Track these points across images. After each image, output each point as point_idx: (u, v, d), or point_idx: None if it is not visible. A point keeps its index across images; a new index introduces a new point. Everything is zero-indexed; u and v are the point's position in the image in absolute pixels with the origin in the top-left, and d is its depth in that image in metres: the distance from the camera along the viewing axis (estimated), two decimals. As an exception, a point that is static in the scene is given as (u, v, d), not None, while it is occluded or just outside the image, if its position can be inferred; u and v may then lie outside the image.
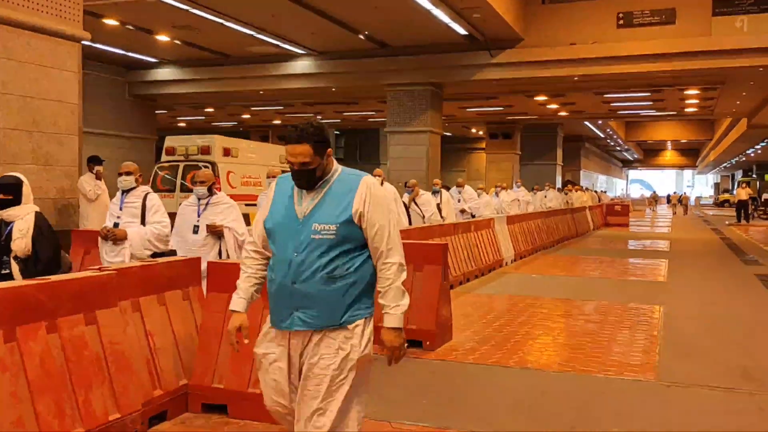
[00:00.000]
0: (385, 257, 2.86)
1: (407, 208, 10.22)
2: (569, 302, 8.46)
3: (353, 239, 2.80)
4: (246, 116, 30.45)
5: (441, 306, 5.86)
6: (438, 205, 11.36)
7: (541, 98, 24.45)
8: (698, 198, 61.01)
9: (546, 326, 6.97)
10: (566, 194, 21.76)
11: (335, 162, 2.92)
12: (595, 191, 31.85)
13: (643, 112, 29.16)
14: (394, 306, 2.91)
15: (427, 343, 5.75)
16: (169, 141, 12.19)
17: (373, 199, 2.82)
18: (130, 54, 19.98)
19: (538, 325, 7.02)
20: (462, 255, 9.75)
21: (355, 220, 2.80)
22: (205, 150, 11.92)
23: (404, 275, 2.92)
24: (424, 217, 10.38)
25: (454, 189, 13.53)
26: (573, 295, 9.03)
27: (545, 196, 18.66)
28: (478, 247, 10.55)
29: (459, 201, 13.62)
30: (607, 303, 8.31)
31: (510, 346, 6.06)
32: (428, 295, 5.81)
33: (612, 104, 26.01)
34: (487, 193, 15.62)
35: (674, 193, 48.90)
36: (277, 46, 18.67)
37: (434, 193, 11.41)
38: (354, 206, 2.80)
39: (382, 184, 11.36)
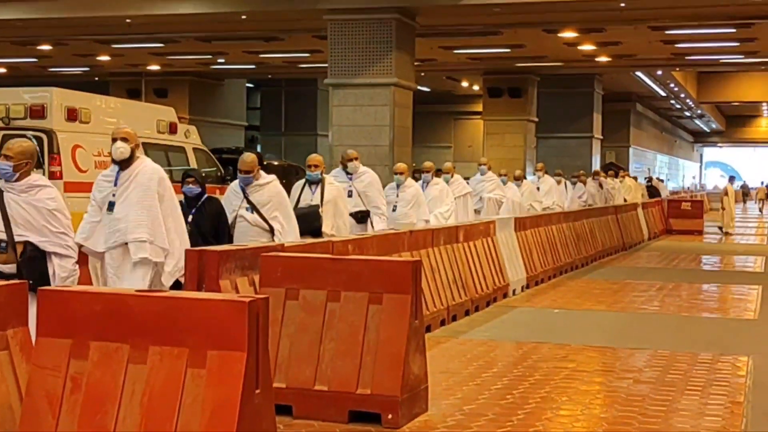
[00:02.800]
0: None
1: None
2: (610, 352, 8.56)
3: None
4: (103, 58, 30.11)
5: (410, 359, 5.90)
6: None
7: (568, 34, 24.76)
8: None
9: (574, 389, 7.04)
10: (598, 184, 22.08)
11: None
12: (648, 180, 32.36)
13: (725, 58, 29.75)
14: None
15: (389, 416, 5.78)
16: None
17: None
18: None
19: (562, 387, 7.09)
20: (444, 278, 9.84)
21: None
22: (38, 111, 11.80)
23: None
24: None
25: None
26: (615, 340, 9.16)
27: (538, 189, 18.55)
28: (470, 267, 10.65)
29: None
30: (668, 353, 8.45)
31: (518, 422, 6.10)
32: (390, 342, 5.85)
33: (678, 45, 26.49)
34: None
35: (763, 184, 50.03)
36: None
37: (397, 185, 11.91)
38: None
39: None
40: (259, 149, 37.25)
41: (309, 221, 9.17)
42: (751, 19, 21.88)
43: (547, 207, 17.57)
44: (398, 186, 11.86)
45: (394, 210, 11.50)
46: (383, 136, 19.56)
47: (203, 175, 8.34)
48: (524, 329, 9.83)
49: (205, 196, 8.30)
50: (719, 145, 78.16)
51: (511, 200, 16.30)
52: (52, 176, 11.25)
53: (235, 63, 31.16)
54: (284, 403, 5.74)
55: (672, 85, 39.16)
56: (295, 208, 9.18)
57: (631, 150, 45.67)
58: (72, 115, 11.99)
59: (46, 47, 27.96)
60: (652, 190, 30.03)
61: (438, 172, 15.63)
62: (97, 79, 33.66)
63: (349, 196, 10.38)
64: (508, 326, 9.95)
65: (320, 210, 9.40)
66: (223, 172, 15.39)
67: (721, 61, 30.52)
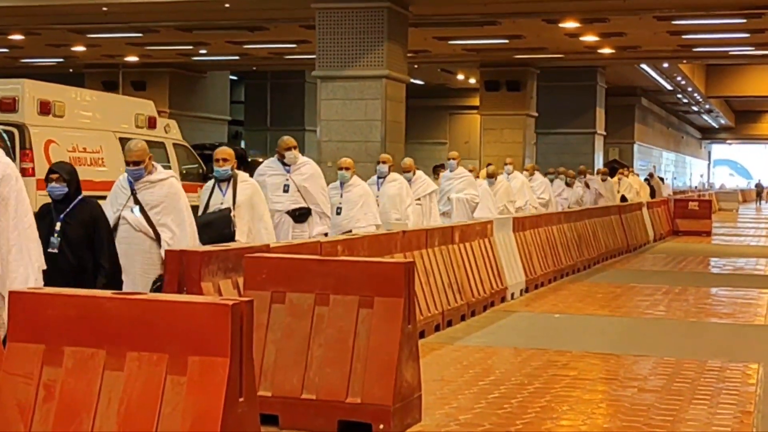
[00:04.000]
0: None
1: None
2: (613, 359, 8.60)
3: None
4: (78, 49, 30.04)
5: (403, 366, 5.90)
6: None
7: (570, 24, 24.78)
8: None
9: (576, 398, 7.07)
10: (584, 184, 21.68)
11: None
12: (648, 177, 32.24)
13: (734, 50, 29.82)
14: None
15: (380, 426, 5.79)
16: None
17: None
18: None
19: (563, 396, 7.12)
20: (438, 281, 9.86)
21: None
22: (8, 104, 11.77)
23: None
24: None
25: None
26: (619, 347, 9.19)
27: (532, 186, 17.99)
28: (467, 269, 10.67)
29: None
30: (674, 360, 8.49)
31: None
32: (381, 348, 5.86)
33: (685, 36, 26.54)
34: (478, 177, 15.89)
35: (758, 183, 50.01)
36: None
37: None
38: None
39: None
40: (243, 145, 37.27)
41: (217, 229, 8.24)
42: (762, 9, 21.92)
43: (520, 208, 16.27)
44: (342, 184, 10.83)
45: (338, 213, 10.59)
46: (374, 132, 19.54)
47: (70, 170, 7.02)
48: (523, 335, 9.86)
49: (79, 197, 7.01)
50: (728, 141, 78.36)
51: (487, 201, 14.82)
52: (24, 173, 11.21)
53: (217, 54, 31.08)
54: (270, 412, 5.75)
55: (679, 78, 39.22)
56: (204, 213, 8.45)
57: (635, 147, 45.76)
58: (45, 108, 11.96)
59: (17, 37, 27.85)
60: (650, 189, 30.00)
61: (440, 168, 15.67)
62: (71, 70, 33.56)
63: (285, 191, 9.71)
64: (506, 332, 9.98)
65: (232, 214, 8.38)
66: (205, 169, 15.36)
67: (730, 53, 30.57)
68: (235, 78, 40.01)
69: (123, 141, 13.47)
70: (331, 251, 7.63)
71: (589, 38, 26.53)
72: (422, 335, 8.90)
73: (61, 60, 32.71)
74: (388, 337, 5.88)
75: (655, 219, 23.83)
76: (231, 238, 8.21)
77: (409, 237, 9.51)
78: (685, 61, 34.98)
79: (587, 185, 21.65)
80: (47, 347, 4.11)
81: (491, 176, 16.02)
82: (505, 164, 17.71)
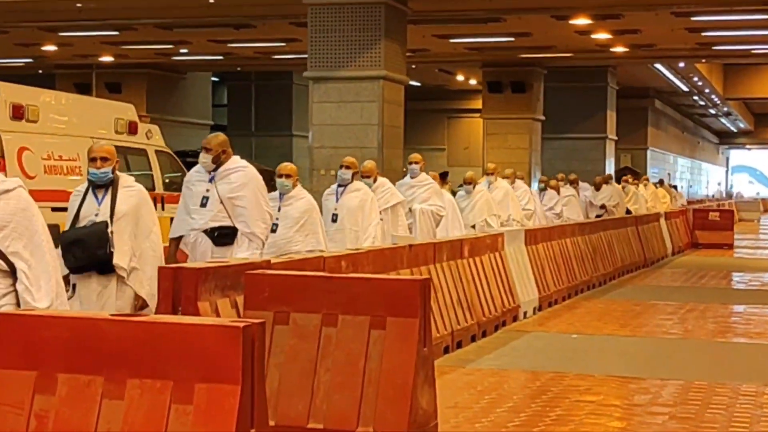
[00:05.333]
0: None
1: None
2: (636, 383, 8.58)
3: None
4: (49, 48, 30.03)
5: (418, 392, 5.86)
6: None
7: (580, 21, 24.85)
8: None
9: (599, 426, 7.05)
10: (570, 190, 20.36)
11: None
12: (657, 185, 31.79)
13: (756, 48, 29.91)
14: None
15: (394, 457, 5.74)
16: None
17: None
18: None
19: (589, 425, 7.10)
20: (447, 299, 9.86)
21: None
22: (-23, 108, 11.75)
23: None
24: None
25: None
26: (644, 370, 9.17)
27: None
28: (477, 285, 10.66)
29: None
30: (705, 384, 8.47)
31: (540, 463, 6.11)
32: (395, 372, 5.81)
33: (704, 34, 26.63)
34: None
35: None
36: None
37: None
38: None
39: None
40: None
41: (88, 248, 6.93)
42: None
43: (502, 224, 14.88)
44: (281, 196, 9.51)
45: (273, 231, 9.12)
46: (371, 137, 19.55)
47: None
48: (539, 357, 9.84)
49: None
50: (747, 146, 78.50)
51: (455, 215, 13.86)
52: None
53: (199, 53, 31.12)
54: (274, 443, 5.70)
55: (695, 79, 39.33)
56: (72, 227, 7.11)
57: (648, 152, 45.88)
58: (18, 112, 11.94)
59: (-18, 35, 27.86)
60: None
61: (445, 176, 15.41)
62: (41, 71, 33.57)
63: (203, 204, 8.33)
64: (520, 354, 9.96)
65: (109, 230, 7.02)
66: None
67: (752, 51, 30.71)
68: (217, 79, 40.00)
69: (102, 148, 13.46)
70: (335, 267, 7.60)
71: (601, 36, 26.60)
72: (432, 358, 8.86)
73: (30, 60, 32.72)
74: (402, 360, 5.84)
75: (673, 231, 23.85)
76: (106, 261, 6.95)
77: (416, 251, 9.50)
78: (703, 61, 35.09)
79: (577, 193, 20.80)
80: (39, 373, 4.05)
81: (468, 182, 14.92)
82: (486, 173, 16.28)
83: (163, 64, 32.87)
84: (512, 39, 27.07)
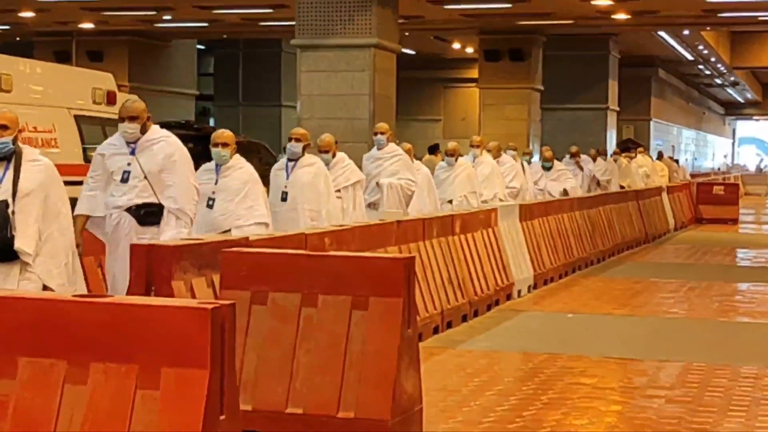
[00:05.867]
0: None
1: None
2: (633, 364, 8.58)
3: None
4: (27, 14, 29.86)
5: (402, 375, 5.83)
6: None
7: (580, -13, 24.75)
8: None
9: (596, 410, 7.03)
10: (576, 166, 20.06)
11: None
12: (657, 158, 31.28)
13: (764, 15, 29.78)
14: None
15: (378, 443, 5.72)
16: None
17: None
18: None
19: (582, 408, 7.08)
20: (437, 277, 9.83)
21: None
22: (-52, 78, 11.69)
23: None
24: None
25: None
26: (641, 351, 9.16)
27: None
28: (468, 263, 10.63)
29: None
30: (703, 365, 8.46)
31: (529, 449, 6.09)
32: (378, 355, 5.78)
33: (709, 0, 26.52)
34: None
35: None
36: None
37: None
38: None
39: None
40: (212, 123, 37.12)
41: None
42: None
43: (485, 201, 14.06)
44: (218, 167, 8.84)
45: (210, 206, 8.67)
46: (362, 108, 19.47)
47: None
48: (533, 338, 9.82)
49: None
50: (755, 117, 78.47)
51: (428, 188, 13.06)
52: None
53: (183, 20, 30.92)
54: (251, 429, 5.66)
55: (701, 47, 39.23)
56: None
57: (652, 124, 45.83)
58: (-9, 82, 11.86)
59: (-44, 1, 27.69)
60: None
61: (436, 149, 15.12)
62: (18, 39, 33.36)
63: (124, 180, 7.80)
64: (513, 334, 9.94)
65: (10, 210, 6.46)
66: (171, 150, 15.25)
67: (759, 18, 30.55)
68: (203, 47, 39.81)
69: (79, 119, 13.38)
70: (318, 245, 7.55)
71: (602, 2, 26.47)
72: (420, 339, 8.82)
73: (6, 27, 32.50)
74: (386, 342, 5.81)
75: (675, 205, 23.84)
76: (7, 245, 6.43)
77: (405, 228, 9.47)
78: (708, 28, 35.02)
79: (580, 167, 20.25)
80: (-1, 357, 4.03)
81: (450, 154, 14.06)
82: (472, 145, 15.24)
83: (146, 32, 32.67)
84: (509, 5, 26.92)
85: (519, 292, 12.04)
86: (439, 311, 9.64)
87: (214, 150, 8.83)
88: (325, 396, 5.78)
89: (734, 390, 7.62)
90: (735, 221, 25.84)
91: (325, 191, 9.96)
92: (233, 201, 8.68)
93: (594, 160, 21.21)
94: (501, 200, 14.33)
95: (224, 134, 8.97)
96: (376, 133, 12.53)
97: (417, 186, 12.32)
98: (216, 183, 8.72)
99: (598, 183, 20.72)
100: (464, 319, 10.23)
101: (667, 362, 8.64)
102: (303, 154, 10.02)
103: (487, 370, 8.20)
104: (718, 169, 63.10)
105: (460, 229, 10.69)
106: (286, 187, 9.88)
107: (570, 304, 11.84)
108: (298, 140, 10.01)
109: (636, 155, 25.64)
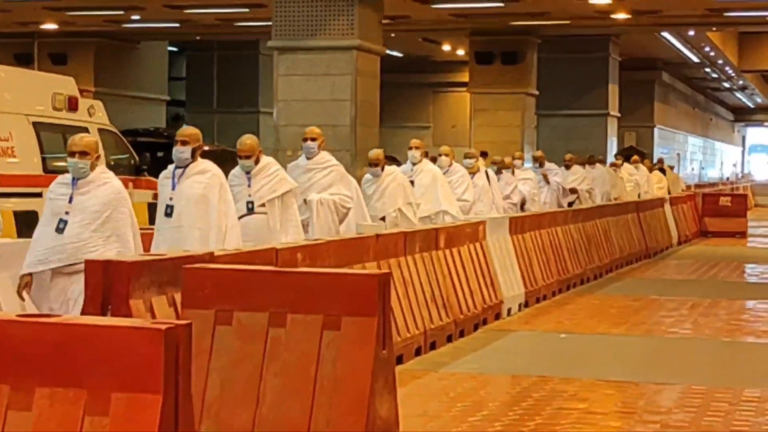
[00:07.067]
0: None
1: None
2: (631, 388, 8.58)
3: None
4: (-15, 14, 29.86)
5: (377, 399, 5.84)
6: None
7: (577, -15, 24.83)
8: None
9: (586, 436, 7.04)
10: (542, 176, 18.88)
11: None
12: (655, 166, 30.38)
13: (772, 15, 29.92)
14: None
15: (349, 473, 5.72)
16: None
17: None
18: None
19: (571, 433, 7.09)
20: (420, 295, 9.84)
21: None
22: None
23: None
24: None
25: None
26: (638, 373, 9.18)
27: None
28: (454, 280, 10.64)
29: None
30: (704, 389, 8.47)
31: (514, 478, 6.10)
32: (351, 378, 5.79)
33: (715, -1, 26.63)
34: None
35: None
36: None
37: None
38: None
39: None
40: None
41: None
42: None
43: (433, 217, 13.06)
44: (75, 181, 7.97)
45: (60, 230, 7.92)
46: (343, 114, 19.53)
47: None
48: (522, 360, 9.83)
49: None
50: (766, 124, 78.80)
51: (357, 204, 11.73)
52: None
53: (153, 20, 30.95)
54: (214, 457, 5.67)
55: (707, 49, 39.41)
56: None
57: (656, 131, 45.99)
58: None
59: None
60: None
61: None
62: (-24, 41, 33.37)
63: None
64: (501, 356, 9.95)
65: None
66: (137, 159, 15.30)
67: (768, 18, 30.72)
68: (174, 50, 39.83)
69: (38, 126, 13.39)
70: (290, 260, 7.56)
71: (601, 1, 26.58)
72: (400, 361, 8.87)
73: (-37, 28, 32.52)
74: (359, 364, 5.81)
75: (679, 217, 23.90)
76: None
77: (385, 242, 9.47)
78: (714, 29, 35.13)
79: (547, 181, 19.14)
80: (-64, 382, 4.03)
81: (374, 164, 12.60)
82: (410, 148, 13.72)
83: (114, 33, 32.70)
84: (502, 4, 27.03)
85: (509, 310, 12.06)
86: (421, 331, 9.65)
87: (70, 161, 8.01)
88: (294, 422, 5.78)
89: (735, 415, 7.65)
90: (743, 235, 25.90)
91: (221, 206, 8.68)
92: (89, 226, 7.89)
93: (567, 168, 20.17)
94: (452, 216, 13.05)
95: (83, 140, 8.23)
96: (305, 139, 11.28)
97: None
98: (70, 201, 7.92)
99: (576, 193, 19.68)
100: (449, 339, 10.24)
101: (665, 385, 8.67)
102: (194, 159, 8.81)
103: (472, 395, 8.21)
104: (727, 178, 63.26)
105: (445, 244, 10.71)
106: (171, 199, 8.76)
107: (563, 324, 11.86)
108: (185, 143, 8.75)
109: (623, 164, 24.76)
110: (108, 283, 6.05)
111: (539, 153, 20.39)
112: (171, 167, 8.90)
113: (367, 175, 12.80)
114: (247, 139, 9.82)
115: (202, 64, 38.23)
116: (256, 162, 9.67)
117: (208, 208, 8.64)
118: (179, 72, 40.46)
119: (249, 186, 9.47)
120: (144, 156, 15.51)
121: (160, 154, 18.84)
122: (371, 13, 20.01)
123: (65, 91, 14.19)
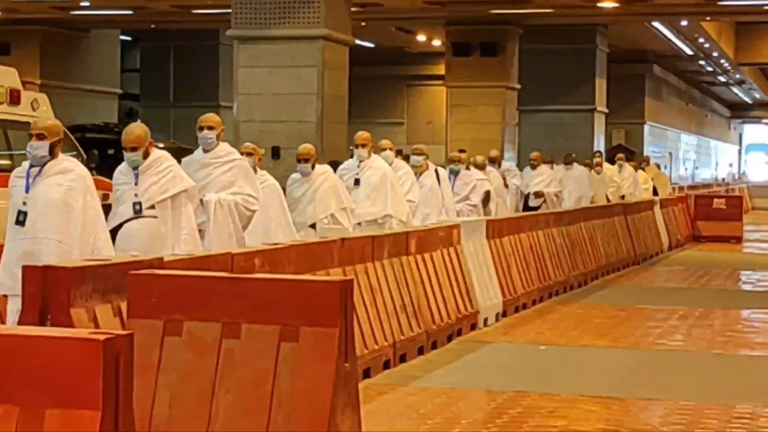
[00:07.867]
0: None
1: None
2: (615, 405, 8.60)
3: None
4: None
5: (338, 416, 5.83)
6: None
7: (560, -29, 24.89)
8: None
9: (564, 456, 7.05)
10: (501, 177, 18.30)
11: None
12: (640, 165, 29.80)
13: (769, 5, 30.07)
14: None
15: (309, 497, 5.71)
16: None
17: None
18: None
19: (549, 453, 7.10)
20: (388, 304, 9.86)
21: None
22: None
23: None
24: None
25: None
26: (623, 388, 9.22)
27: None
28: (426, 287, 10.64)
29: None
30: (693, 405, 8.50)
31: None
32: (310, 394, 5.78)
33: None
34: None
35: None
36: None
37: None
38: None
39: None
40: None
41: None
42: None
43: (380, 221, 12.45)
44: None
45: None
46: (309, 109, 19.53)
47: None
48: (499, 373, 9.84)
49: None
50: (764, 121, 79.24)
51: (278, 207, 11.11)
52: None
53: (104, 7, 30.87)
54: (162, 479, 5.65)
55: (701, 40, 39.58)
56: None
57: (646, 128, 46.18)
58: None
59: None
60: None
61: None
62: None
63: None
64: (476, 369, 9.97)
65: None
66: (85, 157, 15.21)
67: (766, 7, 30.85)
68: (128, 39, 39.71)
69: (-23, 121, 13.33)
70: (246, 266, 7.54)
71: (587, -11, 26.67)
72: (367, 374, 8.87)
73: None
74: (319, 378, 5.80)
75: (670, 221, 23.99)
76: None
77: (350, 246, 9.47)
78: (709, 18, 35.29)
79: (505, 184, 18.65)
80: None
81: (305, 159, 11.87)
82: (356, 145, 13.25)
83: (61, 21, 32.56)
84: (481, -9, 27.09)
85: (485, 320, 12.07)
86: (390, 343, 9.64)
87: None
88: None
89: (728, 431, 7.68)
90: (738, 240, 26.03)
91: (87, 215, 8.01)
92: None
93: (533, 168, 20.13)
94: (400, 221, 12.41)
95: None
96: (201, 128, 10.24)
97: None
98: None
99: (541, 196, 19.56)
100: (420, 351, 10.24)
101: (652, 401, 8.71)
102: (53, 156, 8.07)
103: (444, 411, 8.21)
104: (722, 179, 63.59)
105: (416, 248, 10.71)
106: (24, 204, 8.03)
107: (544, 335, 11.88)
108: (41, 137, 8.00)
109: (602, 164, 24.13)
110: (47, 291, 6.01)
111: (494, 153, 19.59)
112: (25, 164, 8.19)
113: (294, 175, 12.01)
114: (136, 128, 9.15)
115: (157, 54, 38.11)
116: (145, 156, 8.94)
117: (70, 217, 7.92)
118: (133, 63, 40.37)
119: (136, 184, 8.76)
120: (92, 153, 15.41)
121: (110, 151, 18.75)
122: (340, 0, 20.00)
123: (6, 83, 14.11)
